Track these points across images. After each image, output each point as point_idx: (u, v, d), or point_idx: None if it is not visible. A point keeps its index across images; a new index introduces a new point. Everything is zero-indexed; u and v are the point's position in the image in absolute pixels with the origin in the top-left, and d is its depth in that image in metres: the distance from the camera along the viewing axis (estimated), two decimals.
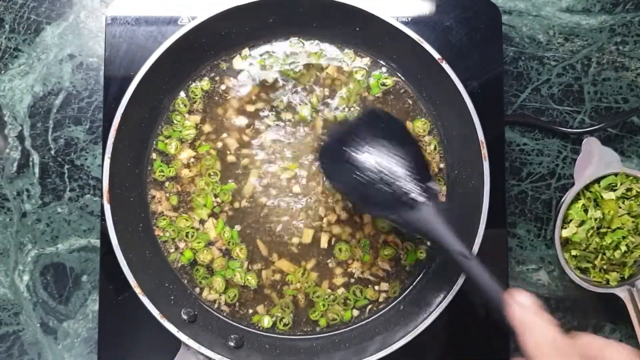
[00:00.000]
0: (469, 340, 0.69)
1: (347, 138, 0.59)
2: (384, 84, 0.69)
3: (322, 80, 0.69)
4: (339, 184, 0.60)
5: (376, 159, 0.56)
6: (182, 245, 0.67)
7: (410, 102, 0.69)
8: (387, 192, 0.55)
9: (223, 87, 0.69)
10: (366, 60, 0.69)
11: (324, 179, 0.66)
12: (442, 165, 0.69)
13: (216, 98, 0.69)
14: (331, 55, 0.69)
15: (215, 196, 0.68)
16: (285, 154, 0.68)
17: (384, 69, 0.69)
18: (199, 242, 0.67)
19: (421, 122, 0.69)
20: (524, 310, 0.46)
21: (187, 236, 0.67)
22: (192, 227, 0.67)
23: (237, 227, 0.68)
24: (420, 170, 0.57)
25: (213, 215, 0.68)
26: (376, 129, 0.59)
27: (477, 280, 0.51)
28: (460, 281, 0.60)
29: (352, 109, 0.69)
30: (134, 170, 0.66)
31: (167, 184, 0.68)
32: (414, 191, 0.54)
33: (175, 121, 0.68)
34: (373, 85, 0.69)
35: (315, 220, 0.68)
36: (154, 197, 0.67)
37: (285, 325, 0.67)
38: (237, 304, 0.67)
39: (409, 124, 0.69)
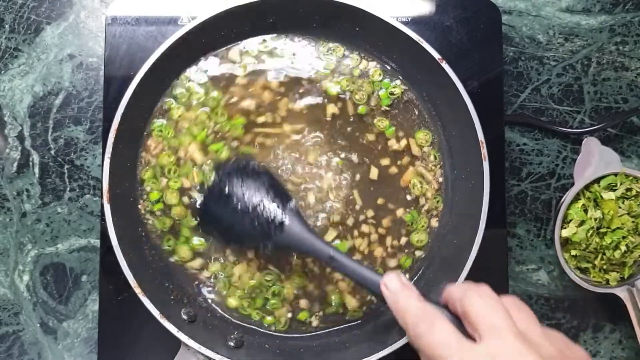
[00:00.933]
0: None
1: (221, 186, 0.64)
2: (392, 93, 0.68)
3: (325, 78, 0.69)
4: (214, 227, 0.65)
5: (245, 193, 0.62)
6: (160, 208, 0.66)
7: (416, 112, 0.68)
8: (258, 225, 0.60)
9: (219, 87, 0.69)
10: (373, 64, 0.69)
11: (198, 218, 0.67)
12: (441, 180, 0.68)
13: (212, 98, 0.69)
14: (334, 55, 0.69)
15: (217, 133, 0.66)
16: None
17: (391, 76, 0.68)
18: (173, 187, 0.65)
19: (423, 133, 0.68)
20: (394, 290, 0.51)
21: (168, 172, 0.66)
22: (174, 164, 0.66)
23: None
24: (280, 194, 0.62)
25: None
26: (240, 173, 0.64)
27: (355, 275, 0.56)
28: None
29: (369, 108, 0.68)
30: (134, 170, 0.66)
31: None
32: (279, 214, 0.60)
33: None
34: (383, 96, 0.68)
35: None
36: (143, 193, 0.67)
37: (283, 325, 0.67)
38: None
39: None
